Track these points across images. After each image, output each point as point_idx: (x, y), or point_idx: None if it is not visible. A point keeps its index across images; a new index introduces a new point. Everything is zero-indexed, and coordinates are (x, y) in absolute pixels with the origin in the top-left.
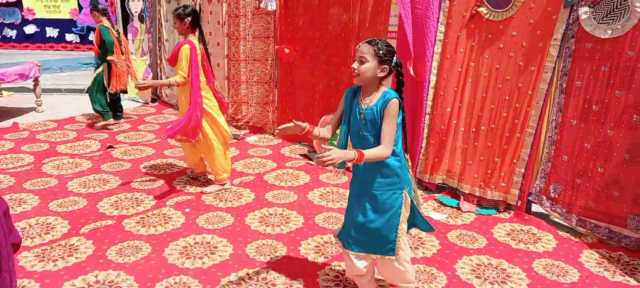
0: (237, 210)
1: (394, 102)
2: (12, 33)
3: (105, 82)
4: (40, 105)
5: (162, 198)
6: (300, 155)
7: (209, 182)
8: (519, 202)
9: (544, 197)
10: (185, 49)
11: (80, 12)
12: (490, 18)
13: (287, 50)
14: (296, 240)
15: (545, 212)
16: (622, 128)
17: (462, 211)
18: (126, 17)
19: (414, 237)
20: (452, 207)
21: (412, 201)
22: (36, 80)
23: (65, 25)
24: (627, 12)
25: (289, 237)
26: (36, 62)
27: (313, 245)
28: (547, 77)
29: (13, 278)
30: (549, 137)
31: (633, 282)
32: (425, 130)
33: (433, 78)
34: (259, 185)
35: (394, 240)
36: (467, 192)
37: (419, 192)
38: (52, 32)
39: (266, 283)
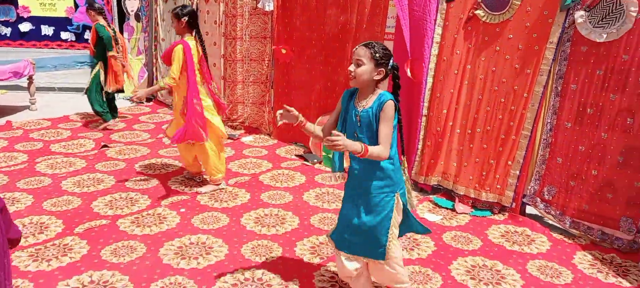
0: (233, 211)
1: (390, 105)
2: (6, 31)
3: (102, 80)
4: (34, 104)
5: (157, 198)
6: (295, 155)
7: (204, 182)
8: (514, 204)
9: (538, 199)
10: (178, 50)
11: (76, 10)
12: (487, 21)
13: (284, 51)
14: (292, 240)
15: (539, 214)
16: (616, 131)
17: (457, 212)
18: (122, 16)
19: (408, 238)
20: (447, 208)
21: (405, 205)
22: (31, 78)
23: (60, 24)
24: (622, 16)
25: (284, 237)
26: (31, 60)
27: (309, 246)
28: (543, 80)
29: (8, 276)
30: (543, 139)
31: (626, 284)
32: (422, 132)
33: (429, 80)
34: (254, 186)
35: (385, 244)
36: (462, 193)
37: (414, 193)
38: (47, 30)
39: (262, 284)
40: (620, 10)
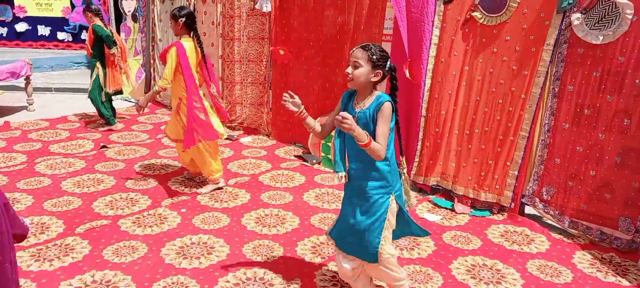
0: (233, 211)
1: (387, 106)
2: (2, 31)
3: (101, 81)
4: (31, 104)
5: (157, 199)
6: (294, 156)
7: (204, 182)
8: (512, 204)
9: (537, 199)
10: (171, 53)
11: (72, 11)
12: (485, 23)
13: (282, 52)
14: (293, 240)
15: (538, 214)
16: (613, 132)
17: (456, 213)
18: (119, 16)
19: (408, 238)
20: (446, 208)
21: (402, 207)
22: (28, 78)
23: (57, 24)
24: (618, 19)
25: (285, 237)
26: (28, 60)
27: (309, 246)
28: (540, 81)
29: (14, 269)
30: (541, 140)
31: (625, 283)
32: (421, 133)
33: (428, 81)
34: (254, 186)
35: (376, 246)
36: (461, 193)
37: (413, 193)
38: (44, 30)
39: (264, 283)
40: (616, 13)
